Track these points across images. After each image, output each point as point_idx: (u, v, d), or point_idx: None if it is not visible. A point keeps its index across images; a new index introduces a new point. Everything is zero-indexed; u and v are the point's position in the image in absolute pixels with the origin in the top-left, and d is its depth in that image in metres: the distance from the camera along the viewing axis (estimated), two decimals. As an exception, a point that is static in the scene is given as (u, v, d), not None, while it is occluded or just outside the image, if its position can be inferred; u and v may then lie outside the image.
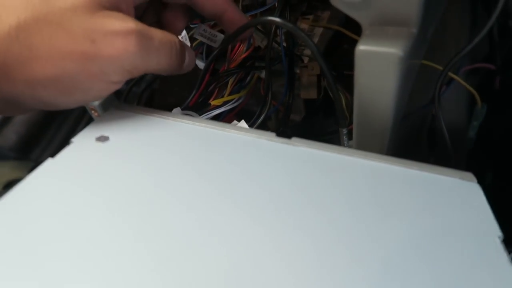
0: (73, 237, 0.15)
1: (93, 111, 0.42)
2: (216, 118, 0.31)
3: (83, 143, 0.20)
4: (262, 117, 0.31)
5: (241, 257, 0.15)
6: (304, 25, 0.36)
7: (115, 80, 0.21)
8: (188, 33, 0.34)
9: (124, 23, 0.20)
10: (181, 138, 0.21)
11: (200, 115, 0.29)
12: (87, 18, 0.19)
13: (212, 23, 0.32)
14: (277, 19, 0.25)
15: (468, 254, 0.15)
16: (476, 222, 0.17)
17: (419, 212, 0.17)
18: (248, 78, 0.33)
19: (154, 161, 0.19)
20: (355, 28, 0.21)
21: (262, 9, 0.31)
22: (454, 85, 0.37)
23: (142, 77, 0.50)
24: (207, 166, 0.19)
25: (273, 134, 0.22)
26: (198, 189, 0.18)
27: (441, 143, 0.30)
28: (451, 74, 0.32)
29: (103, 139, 0.20)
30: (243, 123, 0.29)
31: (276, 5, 0.31)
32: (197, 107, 0.30)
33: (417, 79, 0.31)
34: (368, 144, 0.26)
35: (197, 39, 0.32)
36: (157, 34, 0.22)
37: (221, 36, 0.32)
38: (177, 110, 0.28)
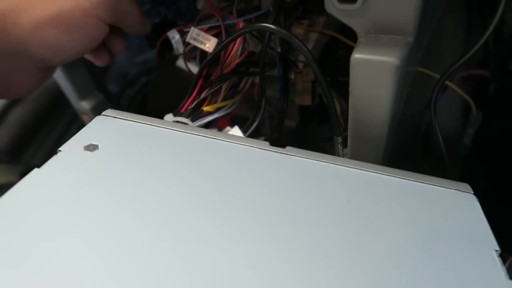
0: (57, 252, 0.14)
1: (84, 115, 0.41)
2: (209, 124, 0.31)
3: (71, 152, 0.19)
4: (256, 123, 0.31)
5: (232, 270, 0.14)
6: (299, 30, 0.35)
7: (103, 16, 0.25)
8: (181, 37, 0.34)
9: None
10: (172, 148, 0.20)
11: (192, 121, 0.29)
12: None
13: (206, 27, 0.32)
14: (272, 26, 0.24)
15: (465, 268, 0.15)
16: (473, 236, 0.17)
17: (415, 225, 0.17)
18: (242, 83, 0.33)
19: (144, 172, 0.18)
20: (351, 34, 0.21)
21: (256, 14, 0.31)
22: (449, 91, 0.37)
23: (136, 79, 0.50)
24: (199, 177, 0.18)
25: (266, 143, 0.21)
26: (190, 201, 0.17)
27: (436, 150, 0.30)
28: (446, 82, 0.32)
29: (92, 147, 0.19)
30: (236, 130, 0.29)
31: (271, 9, 0.31)
32: (190, 113, 0.29)
33: (412, 85, 0.31)
34: (364, 152, 0.25)
35: (190, 44, 0.31)
36: None
37: (214, 40, 0.31)
38: (169, 116, 0.28)
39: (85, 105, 0.38)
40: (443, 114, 0.38)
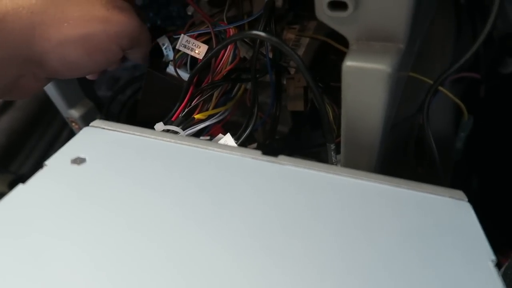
0: (43, 269, 0.14)
1: (73, 124, 0.40)
2: (201, 131, 0.31)
3: (57, 166, 0.18)
4: (248, 130, 0.30)
5: (225, 283, 0.14)
6: (290, 35, 0.35)
7: (124, 44, 0.26)
8: (171, 43, 0.33)
9: (127, 4, 0.27)
10: (162, 159, 0.20)
11: (184, 129, 0.28)
12: None
13: (195, 33, 0.31)
14: (262, 34, 0.24)
15: (461, 279, 0.15)
16: (469, 246, 0.16)
17: (410, 236, 0.17)
18: (235, 90, 0.32)
19: (133, 185, 0.18)
20: (342, 39, 0.21)
21: (248, 20, 0.31)
22: (440, 94, 0.37)
23: (128, 85, 0.49)
24: (190, 189, 0.18)
25: (259, 152, 0.21)
26: (181, 214, 0.17)
27: (429, 153, 0.30)
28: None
29: (78, 161, 0.19)
30: (228, 137, 0.28)
31: (262, 15, 0.30)
32: (181, 121, 0.29)
33: (403, 89, 0.31)
34: (357, 159, 0.25)
35: (180, 50, 0.31)
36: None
37: (205, 47, 0.31)
38: (159, 125, 0.27)
39: (74, 113, 0.37)
40: (435, 117, 0.38)
